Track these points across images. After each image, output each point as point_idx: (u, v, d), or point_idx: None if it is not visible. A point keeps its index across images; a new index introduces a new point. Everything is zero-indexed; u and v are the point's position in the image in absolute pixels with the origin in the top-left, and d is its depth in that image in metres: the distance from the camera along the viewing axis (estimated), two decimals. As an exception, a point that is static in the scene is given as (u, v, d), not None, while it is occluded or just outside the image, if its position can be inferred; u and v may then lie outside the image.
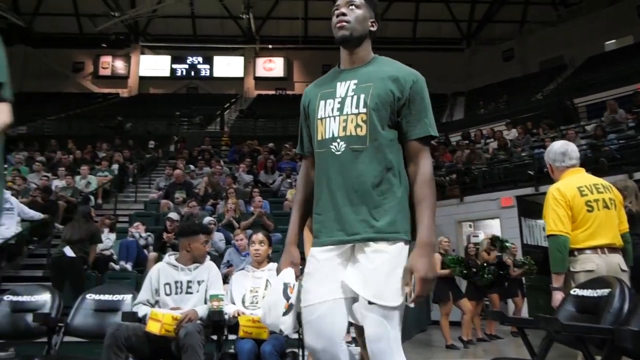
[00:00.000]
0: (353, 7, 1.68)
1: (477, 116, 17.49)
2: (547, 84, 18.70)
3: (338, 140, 1.64)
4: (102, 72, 24.34)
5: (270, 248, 3.53)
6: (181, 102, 21.33)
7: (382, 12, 22.68)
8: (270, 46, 24.24)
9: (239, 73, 24.74)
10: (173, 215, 7.21)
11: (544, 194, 2.99)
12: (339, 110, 1.65)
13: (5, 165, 12.01)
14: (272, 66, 24.58)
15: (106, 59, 24.33)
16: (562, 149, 2.99)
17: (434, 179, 1.58)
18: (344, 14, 1.67)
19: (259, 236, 3.46)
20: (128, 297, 3.44)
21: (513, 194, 9.75)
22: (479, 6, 23.28)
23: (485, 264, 7.12)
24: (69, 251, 6.00)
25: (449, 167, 11.33)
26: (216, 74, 24.75)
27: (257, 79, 24.51)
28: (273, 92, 24.00)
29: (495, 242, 7.79)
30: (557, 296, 2.72)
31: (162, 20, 23.38)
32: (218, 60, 24.78)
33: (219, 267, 5.79)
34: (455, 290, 6.72)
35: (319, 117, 1.70)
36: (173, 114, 18.45)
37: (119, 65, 24.38)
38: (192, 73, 24.74)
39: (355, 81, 1.66)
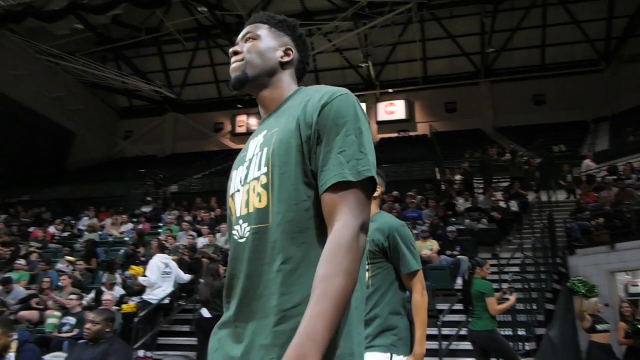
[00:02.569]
0: (251, 39, 1.29)
1: (625, 145, 15.56)
2: None
3: (240, 222, 1.14)
4: (238, 129, 26.79)
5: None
6: (308, 151, 22.44)
7: (505, 43, 22.12)
8: (390, 90, 24.54)
9: (362, 119, 25.39)
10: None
11: None
12: (245, 179, 1.18)
13: (160, 224, 13.70)
14: (393, 109, 24.74)
15: (242, 118, 26.77)
16: None
17: (355, 248, 0.96)
18: (236, 53, 1.28)
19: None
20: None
21: (678, 239, 8.37)
22: (617, 22, 21.10)
23: None
24: (205, 312, 6.40)
25: (594, 209, 10.15)
26: (340, 122, 25.65)
27: (379, 123, 24.79)
28: (395, 135, 24.08)
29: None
30: None
31: (288, 77, 25.25)
32: (341, 109, 25.76)
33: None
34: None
35: (230, 194, 1.24)
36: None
37: (253, 122, 26.63)
38: (317, 123, 26.02)
39: (265, 132, 1.20)
